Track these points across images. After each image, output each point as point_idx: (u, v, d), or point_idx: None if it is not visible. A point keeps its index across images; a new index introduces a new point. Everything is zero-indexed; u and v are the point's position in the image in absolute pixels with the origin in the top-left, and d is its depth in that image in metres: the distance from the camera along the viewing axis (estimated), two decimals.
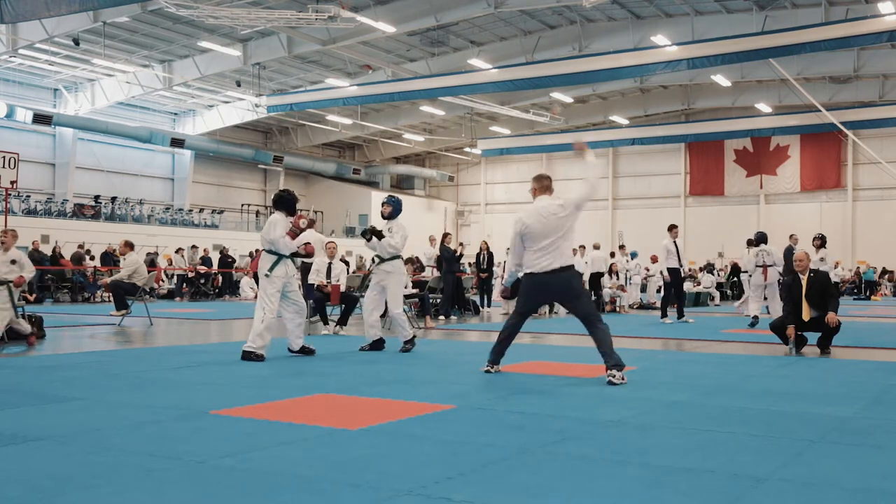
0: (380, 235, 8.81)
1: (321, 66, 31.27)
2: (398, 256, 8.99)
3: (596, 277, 18.78)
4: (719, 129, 33.19)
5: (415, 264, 14.53)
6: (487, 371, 6.91)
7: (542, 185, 6.83)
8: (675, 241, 13.99)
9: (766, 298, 13.49)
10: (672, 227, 14.25)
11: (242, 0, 23.18)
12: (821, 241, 14.19)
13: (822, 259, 13.83)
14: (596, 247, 19.78)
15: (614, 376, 6.23)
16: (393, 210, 9.07)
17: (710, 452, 3.91)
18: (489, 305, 18.76)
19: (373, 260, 9.66)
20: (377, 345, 8.90)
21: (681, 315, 14.18)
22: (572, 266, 6.72)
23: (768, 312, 13.53)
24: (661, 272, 14.55)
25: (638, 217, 41.19)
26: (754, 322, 12.80)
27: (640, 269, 21.84)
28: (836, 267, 33.67)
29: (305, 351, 8.32)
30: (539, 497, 3.12)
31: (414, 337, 9.03)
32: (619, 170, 43.26)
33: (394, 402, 5.40)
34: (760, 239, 13.64)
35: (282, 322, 8.39)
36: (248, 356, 7.81)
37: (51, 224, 27.80)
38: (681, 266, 14.13)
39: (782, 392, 5.92)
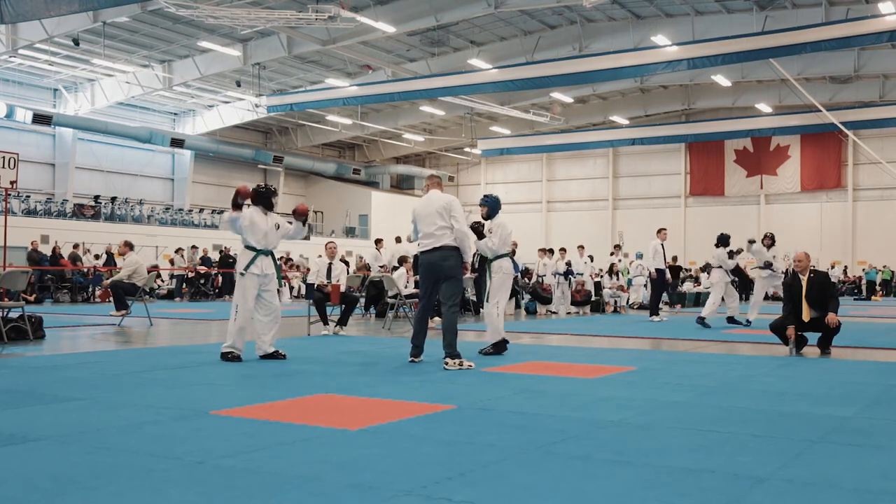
0: (480, 234, 8.58)
1: (321, 66, 31.26)
2: (501, 256, 8.65)
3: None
4: (719, 129, 33.16)
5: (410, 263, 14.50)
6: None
7: (433, 181, 7.75)
8: (662, 244, 14.73)
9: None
10: (661, 230, 15.01)
11: (242, 0, 23.19)
12: (771, 240, 13.65)
13: (774, 257, 13.47)
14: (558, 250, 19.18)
15: (447, 363, 7.16)
16: (490, 210, 8.68)
17: (710, 452, 3.90)
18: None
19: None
20: (499, 347, 8.44)
21: (655, 313, 14.81)
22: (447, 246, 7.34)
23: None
24: (649, 270, 15.24)
25: (638, 217, 41.17)
26: None
27: (642, 269, 21.80)
28: (832, 268, 33.68)
29: (275, 356, 7.83)
30: (539, 497, 3.12)
31: (505, 341, 8.51)
32: (619, 170, 43.25)
33: (394, 402, 5.39)
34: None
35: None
36: (226, 357, 7.70)
37: (50, 224, 27.80)
38: (666, 267, 14.98)
39: (782, 392, 5.91)
